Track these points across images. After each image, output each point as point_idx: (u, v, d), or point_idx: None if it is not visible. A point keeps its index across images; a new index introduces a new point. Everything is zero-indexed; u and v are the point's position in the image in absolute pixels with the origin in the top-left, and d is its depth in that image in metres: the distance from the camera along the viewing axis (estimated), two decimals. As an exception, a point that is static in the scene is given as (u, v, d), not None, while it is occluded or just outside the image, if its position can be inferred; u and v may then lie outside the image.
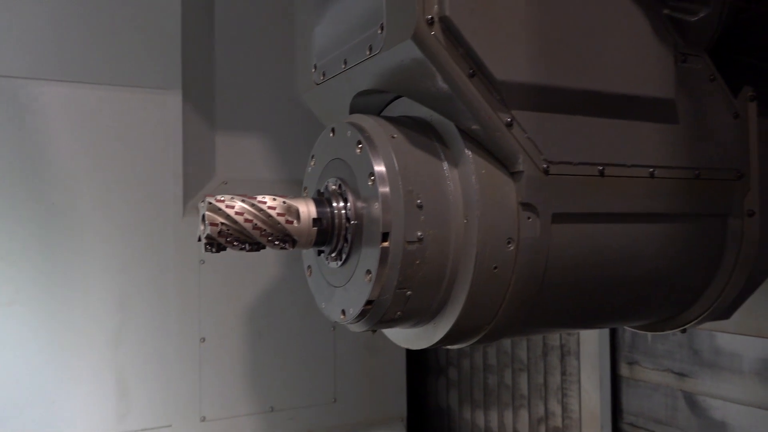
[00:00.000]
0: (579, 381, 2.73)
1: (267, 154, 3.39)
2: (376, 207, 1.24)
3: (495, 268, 1.27)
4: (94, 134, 2.92)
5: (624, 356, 2.56)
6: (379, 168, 1.26)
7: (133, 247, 2.96)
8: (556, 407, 2.86)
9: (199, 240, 1.28)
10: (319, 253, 1.41)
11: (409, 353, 3.52)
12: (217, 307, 3.17)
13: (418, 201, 1.24)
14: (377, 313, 1.29)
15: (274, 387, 3.31)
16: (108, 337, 2.93)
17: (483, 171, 1.27)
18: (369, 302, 1.27)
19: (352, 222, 1.31)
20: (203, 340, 3.13)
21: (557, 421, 2.85)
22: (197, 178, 3.19)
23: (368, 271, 1.26)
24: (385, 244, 1.23)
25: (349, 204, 1.32)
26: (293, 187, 3.32)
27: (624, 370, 2.58)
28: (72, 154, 2.88)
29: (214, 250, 1.26)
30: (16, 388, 2.75)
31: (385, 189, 1.24)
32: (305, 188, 1.54)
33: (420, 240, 1.24)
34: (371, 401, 3.54)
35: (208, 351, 3.15)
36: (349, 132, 1.34)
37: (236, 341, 3.23)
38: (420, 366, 3.86)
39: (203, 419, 3.14)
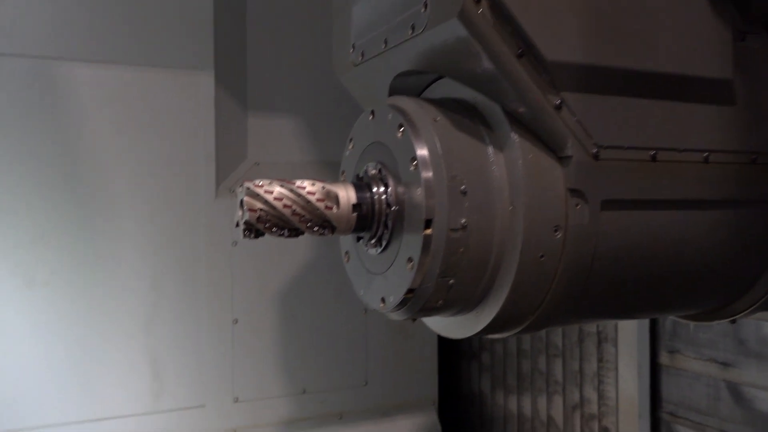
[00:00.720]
0: (616, 368, 2.68)
1: (300, 136, 3.36)
2: (419, 193, 1.20)
3: (541, 256, 1.22)
4: (126, 115, 2.92)
5: (664, 344, 2.50)
6: (422, 152, 1.21)
7: (165, 229, 2.97)
8: (591, 394, 2.81)
9: (237, 225, 1.26)
10: (358, 239, 1.38)
11: (442, 337, 3.49)
12: (249, 289, 3.17)
13: (462, 187, 1.20)
14: (418, 302, 1.25)
15: (306, 369, 3.31)
16: (141, 319, 2.95)
17: (530, 156, 1.22)
18: (410, 291, 1.24)
19: (393, 208, 1.26)
20: (236, 321, 3.14)
21: (593, 408, 2.80)
22: (229, 159, 3.18)
23: (410, 259, 1.22)
24: (428, 231, 1.19)
25: (389, 189, 1.28)
26: (326, 169, 3.29)
27: (664, 359, 2.52)
28: (104, 136, 2.88)
29: (252, 236, 1.23)
30: (51, 369, 2.78)
31: (428, 174, 1.20)
32: (343, 172, 1.50)
33: (464, 227, 1.20)
34: (402, 385, 3.52)
35: (241, 332, 3.15)
36: (390, 115, 1.29)
37: (269, 323, 3.23)
38: (452, 350, 3.83)
39: (236, 400, 3.15)
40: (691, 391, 2.45)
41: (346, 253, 1.49)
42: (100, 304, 2.88)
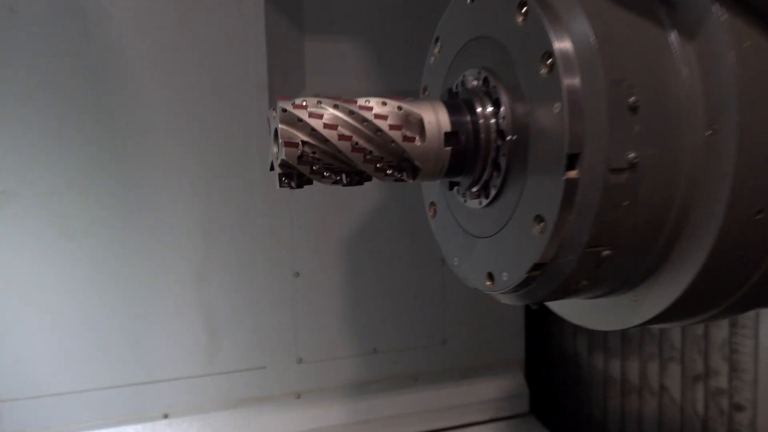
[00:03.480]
0: (756, 336, 2.18)
1: (365, 62, 2.93)
2: (556, 111, 0.74)
3: (758, 212, 0.74)
4: (167, 44, 2.54)
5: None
6: (562, 44, 0.74)
7: (214, 171, 2.61)
8: (720, 365, 2.33)
9: (272, 169, 0.83)
10: (452, 185, 0.93)
11: (530, 291, 3.06)
12: (312, 238, 2.81)
13: (632, 99, 0.72)
14: (549, 284, 0.81)
15: (377, 327, 2.97)
16: (192, 272, 2.64)
17: (746, 45, 0.72)
18: (537, 266, 0.79)
19: (510, 137, 0.81)
20: (297, 274, 2.81)
21: (721, 382, 2.33)
22: (284, 90, 2.79)
23: (539, 218, 0.77)
24: (572, 173, 0.73)
25: (502, 109, 0.82)
26: (397, 100, 2.84)
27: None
28: (143, 68, 2.53)
29: (293, 184, 0.81)
30: (95, 328, 2.52)
31: (572, 80, 0.73)
32: (425, 89, 1.05)
33: (633, 166, 0.73)
34: (485, 343, 3.14)
35: (303, 287, 2.83)
36: (503, -11, 0.82)
37: (334, 276, 2.89)
38: (541, 305, 3.39)
39: (300, 361, 2.87)
40: None
41: (432, 204, 1.05)
42: (147, 257, 2.59)
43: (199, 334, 2.70)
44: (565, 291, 0.83)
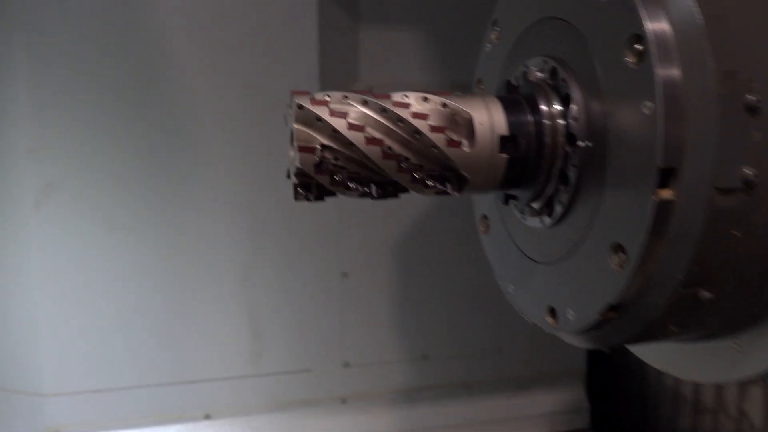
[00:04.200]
0: None
1: (423, 52, 2.79)
2: (646, 112, 0.57)
3: None
4: (215, 35, 2.47)
5: None
6: (657, 25, 0.57)
7: (260, 167, 2.52)
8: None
9: (288, 177, 0.69)
10: (507, 198, 0.77)
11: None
12: (361, 236, 2.70)
13: (750, 97, 0.55)
14: (628, 328, 0.64)
15: (428, 331, 2.85)
16: (237, 270, 2.57)
17: None
18: (614, 308, 0.63)
19: (582, 143, 0.64)
20: (345, 275, 2.71)
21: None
22: (337, 82, 2.68)
23: (618, 248, 0.60)
24: (666, 193, 0.56)
25: (574, 107, 0.66)
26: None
27: None
28: (190, 60, 2.47)
29: (311, 197, 0.66)
30: (137, 323, 2.47)
31: (669, 71, 0.56)
32: (479, 81, 0.89)
33: (748, 186, 0.55)
34: (543, 353, 2.96)
35: (351, 288, 2.74)
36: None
37: (384, 277, 2.78)
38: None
39: (346, 365, 2.77)
40: None
41: (484, 217, 0.89)
42: (191, 253, 2.53)
43: (243, 334, 2.64)
44: (648, 337, 0.66)
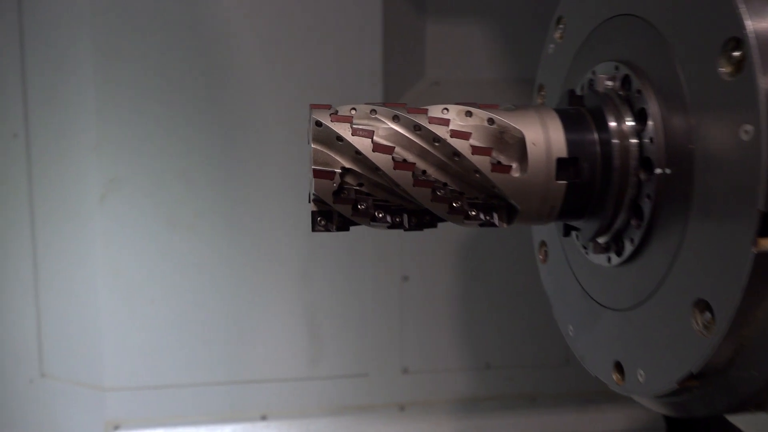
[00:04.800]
0: None
1: (491, 48, 2.66)
2: (744, 137, 0.44)
3: None
4: (276, 30, 2.42)
5: None
6: (761, 25, 0.44)
7: (321, 165, 2.46)
8: None
9: (310, 201, 0.60)
10: (568, 230, 0.66)
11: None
12: (423, 239, 2.59)
13: None
14: (713, 400, 0.52)
15: (491, 339, 2.73)
16: (296, 271, 2.53)
17: None
18: (694, 377, 0.51)
19: (659, 171, 0.52)
20: (406, 278, 2.63)
21: None
22: (402, 77, 2.59)
23: (703, 305, 0.48)
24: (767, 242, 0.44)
25: (650, 125, 0.54)
26: (526, 91, 2.56)
27: None
28: (252, 56, 2.43)
29: (332, 227, 0.57)
30: (197, 323, 2.47)
31: (779, 84, 0.43)
32: (540, 88, 0.77)
33: None
34: (615, 367, 2.79)
35: (412, 292, 2.65)
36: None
37: (446, 281, 2.68)
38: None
39: (405, 371, 2.70)
40: None
41: (543, 244, 0.77)
42: (250, 252, 2.51)
43: (301, 336, 2.60)
44: (738, 410, 0.53)
